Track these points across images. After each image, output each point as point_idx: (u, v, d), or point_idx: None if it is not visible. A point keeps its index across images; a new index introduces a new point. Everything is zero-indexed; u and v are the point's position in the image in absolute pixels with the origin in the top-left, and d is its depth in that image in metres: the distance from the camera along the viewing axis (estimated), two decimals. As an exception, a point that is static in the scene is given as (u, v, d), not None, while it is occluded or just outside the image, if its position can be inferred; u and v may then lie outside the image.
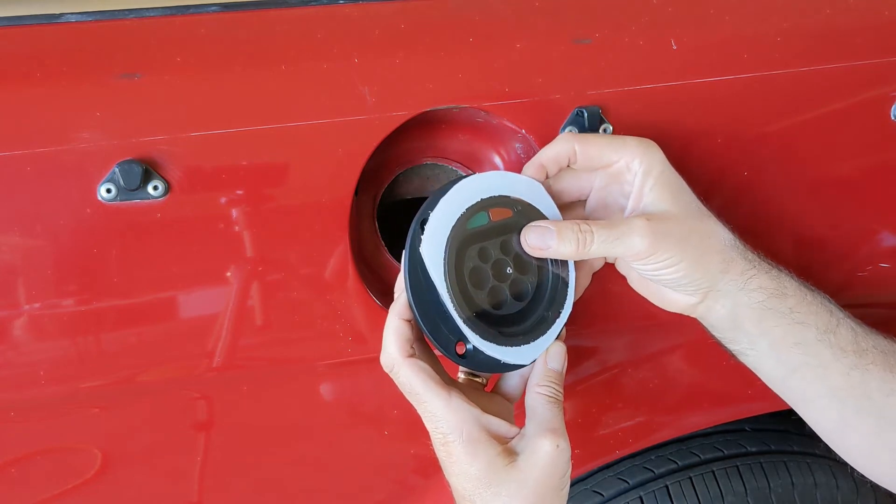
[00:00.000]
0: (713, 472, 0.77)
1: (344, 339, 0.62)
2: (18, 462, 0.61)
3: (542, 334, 0.58)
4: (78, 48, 0.55)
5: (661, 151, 0.57)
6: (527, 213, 0.58)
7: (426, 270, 0.54)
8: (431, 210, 0.55)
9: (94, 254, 0.55)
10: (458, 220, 0.56)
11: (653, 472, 0.77)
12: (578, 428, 0.74)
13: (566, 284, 0.60)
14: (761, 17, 0.66)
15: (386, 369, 0.56)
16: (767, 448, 0.81)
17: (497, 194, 0.57)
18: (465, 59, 0.60)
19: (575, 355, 0.71)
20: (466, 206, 0.56)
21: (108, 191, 0.53)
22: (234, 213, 0.57)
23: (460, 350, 0.56)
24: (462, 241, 0.56)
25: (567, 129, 0.61)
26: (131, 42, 0.56)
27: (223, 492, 0.68)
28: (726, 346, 0.59)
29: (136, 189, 0.53)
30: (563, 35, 0.62)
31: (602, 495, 0.77)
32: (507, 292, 0.58)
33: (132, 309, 0.57)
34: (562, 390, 0.57)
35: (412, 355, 0.54)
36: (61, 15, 0.55)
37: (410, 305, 0.54)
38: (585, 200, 0.62)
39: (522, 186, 0.58)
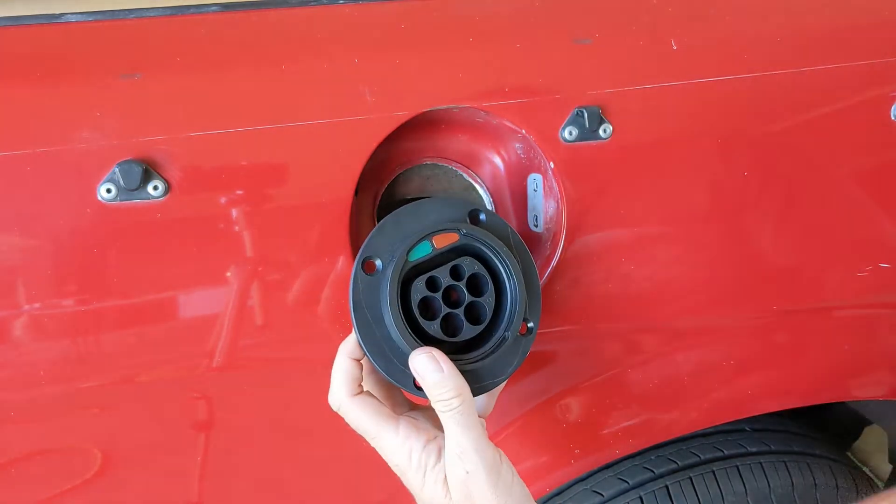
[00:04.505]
0: (713, 472, 0.77)
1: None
2: (18, 462, 0.61)
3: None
4: (78, 48, 0.55)
5: None
6: (474, 234, 0.57)
7: (373, 308, 0.54)
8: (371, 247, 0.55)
9: (94, 254, 0.55)
10: (399, 253, 0.55)
11: (653, 472, 0.77)
12: (579, 428, 0.74)
13: (525, 301, 0.58)
14: (761, 17, 0.66)
15: (334, 408, 0.56)
16: (767, 448, 0.81)
17: (439, 220, 0.57)
18: (465, 59, 0.60)
19: (575, 355, 0.71)
20: (408, 238, 0.55)
21: (108, 191, 0.53)
22: (234, 213, 0.57)
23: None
24: (407, 273, 0.55)
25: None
26: (131, 42, 0.56)
27: (223, 491, 0.68)
28: None
29: (136, 189, 0.53)
30: (563, 35, 0.62)
31: (602, 495, 0.77)
32: (462, 318, 0.57)
33: (132, 309, 0.57)
34: (457, 396, 0.53)
35: (359, 393, 0.55)
36: (61, 15, 0.55)
37: (361, 345, 0.54)
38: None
39: (464, 208, 0.58)
